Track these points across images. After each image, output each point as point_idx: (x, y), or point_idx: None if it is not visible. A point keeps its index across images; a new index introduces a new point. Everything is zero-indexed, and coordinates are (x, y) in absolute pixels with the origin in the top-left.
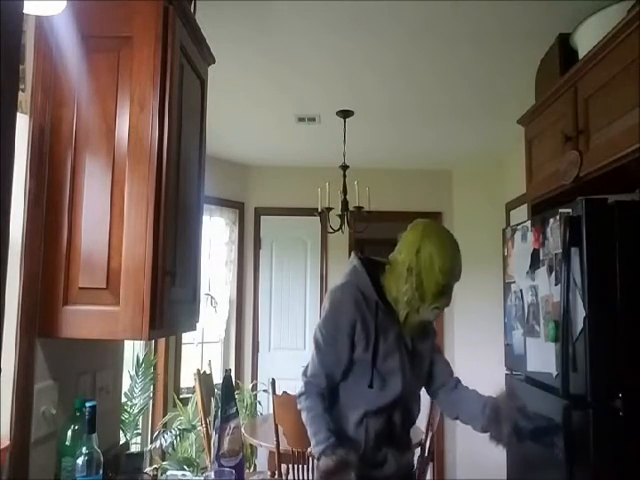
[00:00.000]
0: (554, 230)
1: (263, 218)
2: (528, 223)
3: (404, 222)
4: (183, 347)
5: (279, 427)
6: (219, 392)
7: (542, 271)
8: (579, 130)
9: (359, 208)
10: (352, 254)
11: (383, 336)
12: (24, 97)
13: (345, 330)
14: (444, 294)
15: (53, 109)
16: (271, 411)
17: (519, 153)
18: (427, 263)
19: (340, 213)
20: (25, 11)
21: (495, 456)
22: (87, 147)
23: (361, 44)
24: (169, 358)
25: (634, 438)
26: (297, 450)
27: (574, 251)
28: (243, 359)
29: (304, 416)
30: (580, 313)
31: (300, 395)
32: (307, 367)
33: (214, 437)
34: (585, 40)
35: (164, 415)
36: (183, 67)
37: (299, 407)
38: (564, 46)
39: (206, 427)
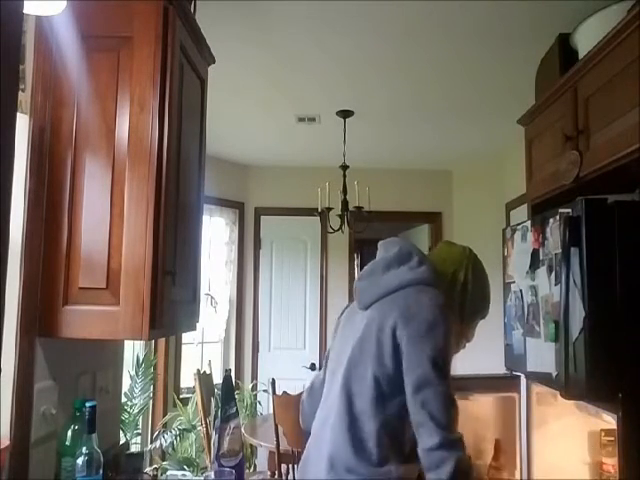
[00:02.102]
0: (554, 230)
1: (263, 218)
2: (528, 223)
3: (404, 222)
4: (183, 347)
5: (279, 427)
6: (219, 392)
7: (542, 271)
8: (579, 130)
9: (359, 208)
10: (399, 240)
11: None
12: (24, 97)
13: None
14: (476, 324)
15: (53, 109)
16: (271, 411)
17: (519, 153)
18: (479, 284)
19: (340, 213)
20: (25, 11)
21: None
22: (87, 147)
23: (361, 44)
24: (169, 358)
25: (634, 438)
26: (297, 450)
27: (574, 251)
28: (243, 359)
29: None
30: (580, 313)
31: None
32: (439, 417)
33: (214, 437)
34: (585, 40)
35: (164, 415)
36: (183, 67)
37: None
38: (564, 46)
39: (206, 427)
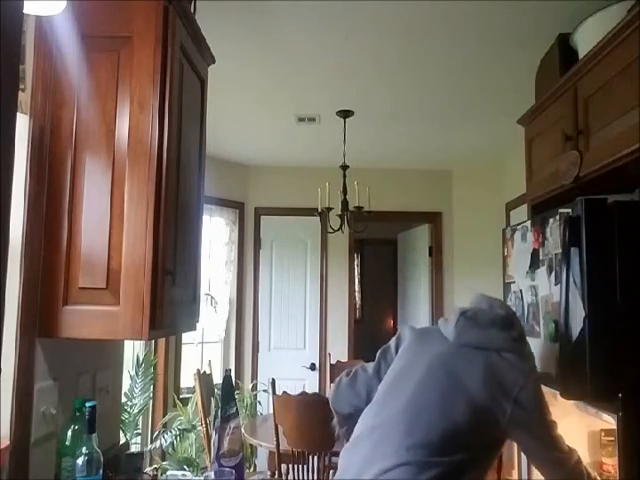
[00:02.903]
0: (554, 230)
1: (263, 218)
2: (528, 223)
3: (404, 222)
4: (183, 347)
5: (279, 427)
6: (219, 392)
7: (542, 271)
8: (579, 130)
9: (359, 208)
10: (515, 316)
11: None
12: (24, 97)
13: None
14: None
15: (53, 109)
16: (271, 411)
17: (519, 153)
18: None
19: (340, 213)
20: (25, 11)
21: None
22: (87, 147)
23: (361, 44)
24: (169, 358)
25: (634, 438)
26: (297, 450)
27: (574, 251)
28: (243, 359)
29: None
30: (580, 313)
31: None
32: (564, 461)
33: (214, 437)
34: (585, 40)
35: (164, 415)
36: (183, 67)
37: None
38: (564, 46)
39: (206, 427)
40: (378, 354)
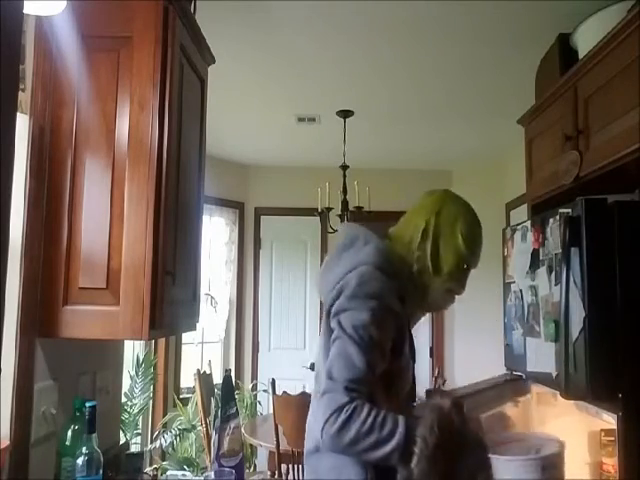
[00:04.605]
0: (554, 230)
1: (263, 218)
2: (528, 223)
3: None
4: (183, 347)
5: (279, 427)
6: (219, 392)
7: (542, 271)
8: (579, 130)
9: (359, 208)
10: (348, 225)
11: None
12: (24, 97)
13: (389, 334)
14: (460, 272)
15: (53, 109)
16: (271, 411)
17: (519, 153)
18: (448, 225)
19: (340, 213)
20: (25, 11)
21: None
22: (87, 147)
23: (361, 44)
24: (169, 358)
25: (634, 438)
26: (297, 450)
27: (574, 251)
28: (243, 359)
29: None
30: (580, 313)
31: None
32: (332, 370)
33: (214, 437)
34: (585, 40)
35: (164, 415)
36: (183, 67)
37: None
38: (564, 46)
39: (206, 427)
40: None
